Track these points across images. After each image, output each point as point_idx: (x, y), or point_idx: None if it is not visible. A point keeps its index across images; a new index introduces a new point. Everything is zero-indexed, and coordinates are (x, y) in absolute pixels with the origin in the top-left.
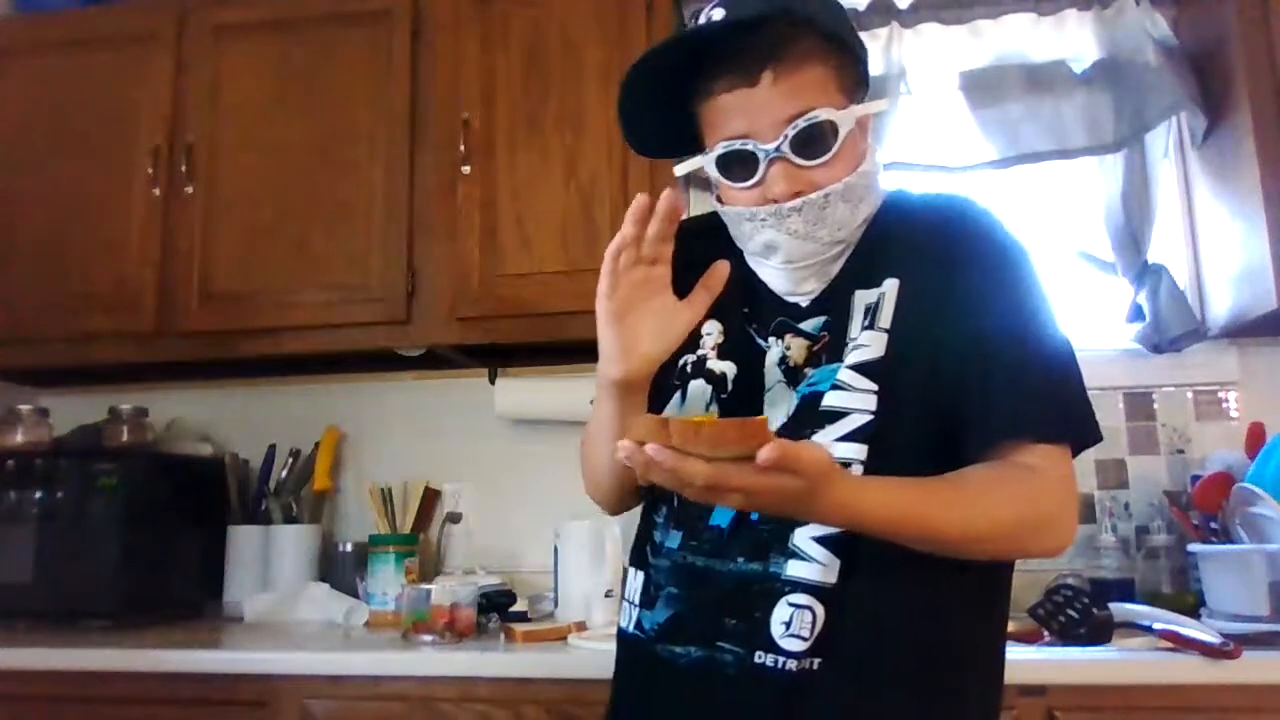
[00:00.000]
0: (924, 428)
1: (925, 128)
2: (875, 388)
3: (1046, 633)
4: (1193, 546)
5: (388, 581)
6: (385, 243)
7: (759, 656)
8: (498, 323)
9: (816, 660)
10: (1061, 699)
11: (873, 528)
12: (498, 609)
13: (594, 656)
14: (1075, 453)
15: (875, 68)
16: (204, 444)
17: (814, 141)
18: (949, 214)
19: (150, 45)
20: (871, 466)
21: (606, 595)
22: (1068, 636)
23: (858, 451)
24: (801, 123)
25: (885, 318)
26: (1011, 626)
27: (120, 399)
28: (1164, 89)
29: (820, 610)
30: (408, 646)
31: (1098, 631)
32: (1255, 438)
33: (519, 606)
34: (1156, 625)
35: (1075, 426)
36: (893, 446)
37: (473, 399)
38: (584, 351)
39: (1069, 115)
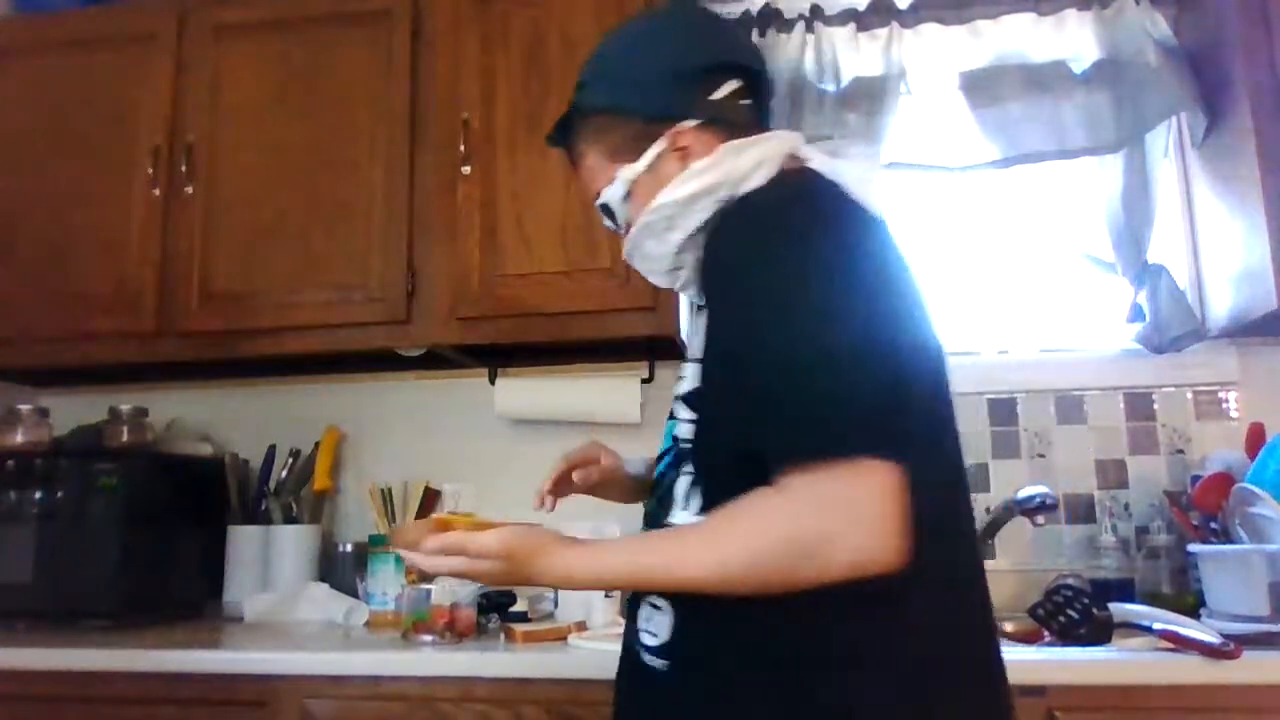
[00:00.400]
0: (738, 455)
1: (925, 128)
2: (694, 417)
3: (1046, 633)
4: (1193, 547)
5: (388, 581)
6: (385, 243)
7: (638, 651)
8: (498, 323)
9: (665, 662)
10: (1061, 699)
11: (614, 586)
12: (498, 609)
13: (594, 657)
14: (849, 458)
15: (875, 68)
16: (204, 444)
17: (609, 215)
18: (712, 231)
19: (150, 45)
20: (706, 497)
21: (606, 595)
22: (1068, 636)
23: (693, 480)
24: (597, 204)
25: (697, 346)
26: (1011, 627)
27: (120, 399)
28: (1164, 89)
29: (671, 612)
30: (408, 646)
31: (1098, 632)
32: (1255, 438)
33: (519, 607)
34: (1156, 625)
35: (808, 440)
36: (716, 478)
37: (473, 399)
38: (584, 351)
39: (1069, 115)
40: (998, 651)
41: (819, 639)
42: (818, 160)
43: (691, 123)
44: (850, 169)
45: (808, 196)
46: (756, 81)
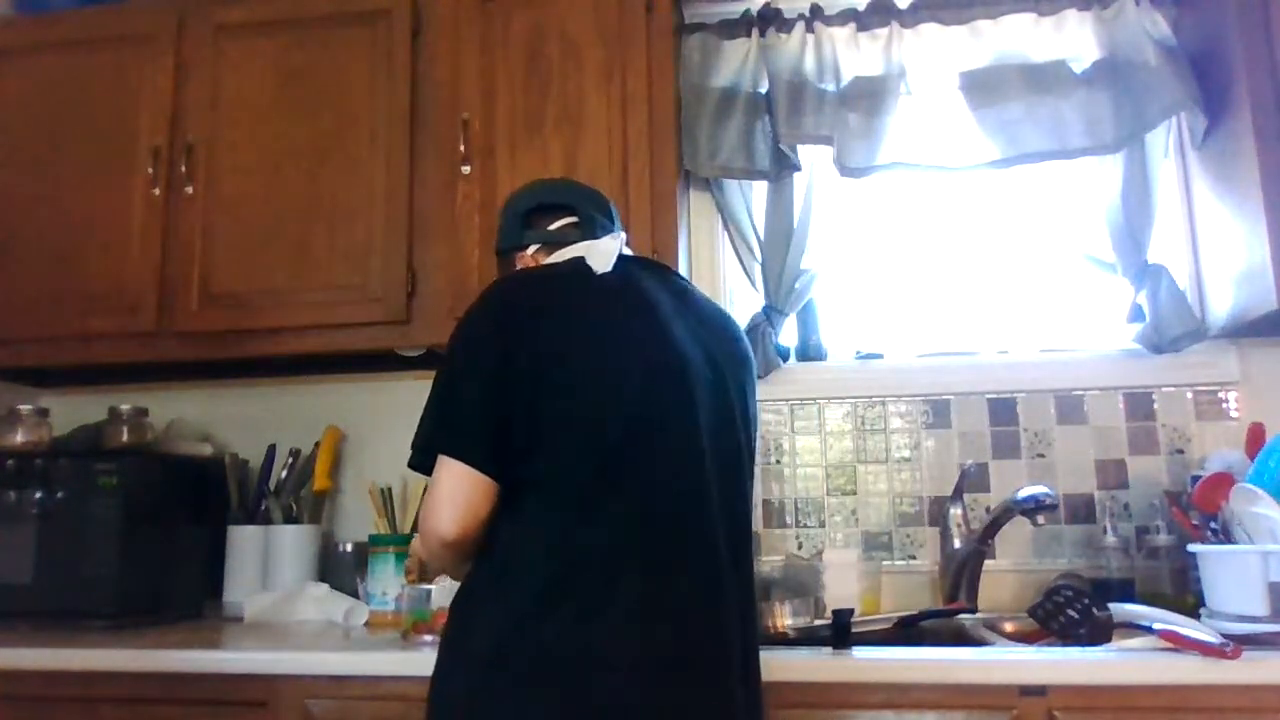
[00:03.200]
0: None
1: (925, 128)
2: None
3: (1046, 633)
4: (1193, 547)
5: (387, 581)
6: (385, 243)
7: None
8: None
9: None
10: (1062, 699)
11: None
12: None
13: None
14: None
15: (875, 68)
16: (204, 444)
17: None
18: None
19: (150, 45)
20: None
21: None
22: (1068, 637)
23: None
24: None
25: None
26: (1012, 626)
27: (120, 399)
28: (1164, 89)
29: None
30: (408, 646)
31: (1098, 632)
32: (1255, 438)
33: None
34: (1156, 625)
35: (413, 454)
36: None
37: None
38: None
39: (1069, 115)
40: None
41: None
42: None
43: (533, 247)
44: (586, 249)
45: (494, 283)
46: (581, 212)
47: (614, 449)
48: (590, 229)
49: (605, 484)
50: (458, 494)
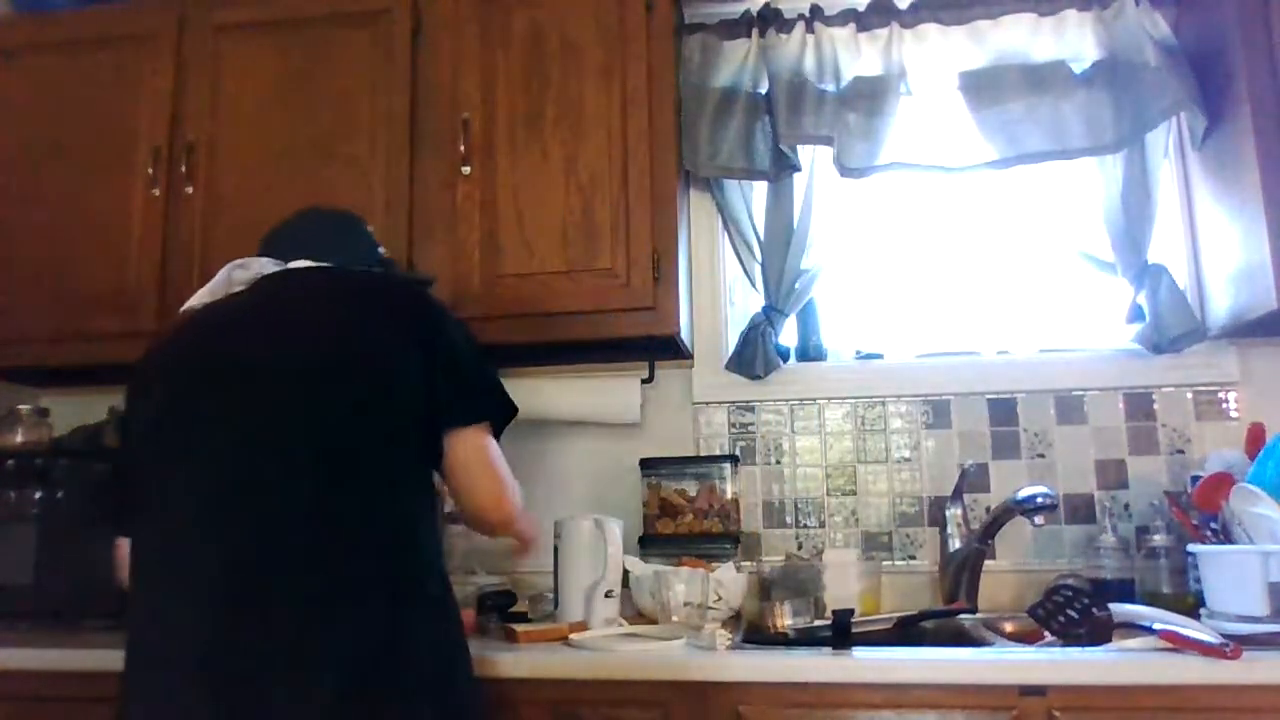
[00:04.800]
0: None
1: (925, 128)
2: None
3: (1046, 633)
4: (1192, 547)
5: None
6: (385, 242)
7: None
8: (498, 322)
9: None
10: (1062, 699)
11: None
12: (498, 609)
13: (594, 656)
14: None
15: (875, 68)
16: None
17: None
18: None
19: (150, 45)
20: None
21: (607, 595)
22: (1067, 637)
23: None
24: None
25: None
26: (1012, 626)
27: (120, 399)
28: (1164, 89)
29: None
30: None
31: (1097, 632)
32: (1255, 438)
33: (519, 607)
34: (1156, 625)
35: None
36: None
37: None
38: (584, 351)
39: (1069, 115)
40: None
41: None
42: None
43: None
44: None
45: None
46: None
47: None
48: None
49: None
50: None
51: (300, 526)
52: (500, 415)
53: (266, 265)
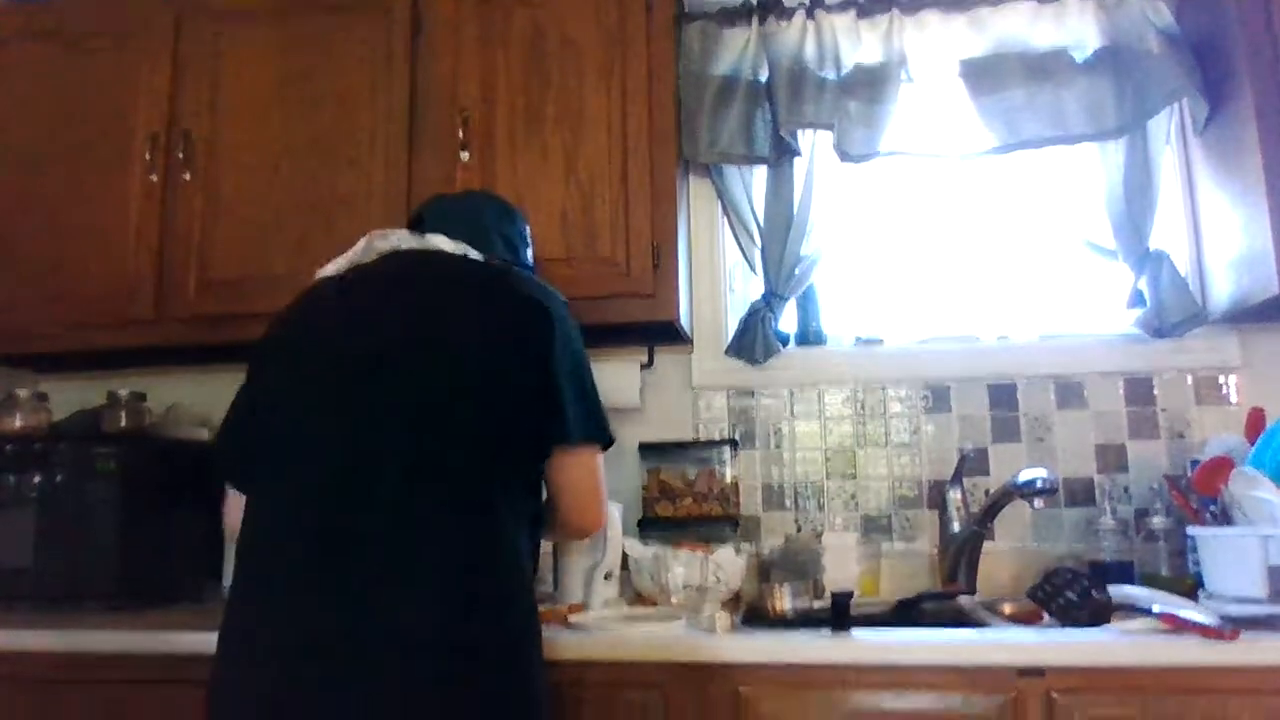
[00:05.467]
0: None
1: (926, 115)
2: None
3: (1046, 614)
4: (1192, 529)
5: None
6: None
7: None
8: None
9: None
10: (1060, 681)
11: None
12: None
13: (594, 638)
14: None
15: (876, 55)
16: (202, 429)
17: None
18: None
19: (148, 34)
20: None
21: (606, 577)
22: (1067, 618)
23: None
24: None
25: None
26: (1011, 608)
27: (119, 384)
28: (1166, 76)
29: None
30: None
31: (1097, 614)
32: (1255, 422)
33: None
34: (1155, 608)
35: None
36: None
37: None
38: (584, 336)
39: (1070, 103)
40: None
41: None
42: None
43: None
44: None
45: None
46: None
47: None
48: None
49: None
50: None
51: (384, 526)
52: (608, 439)
53: (405, 239)
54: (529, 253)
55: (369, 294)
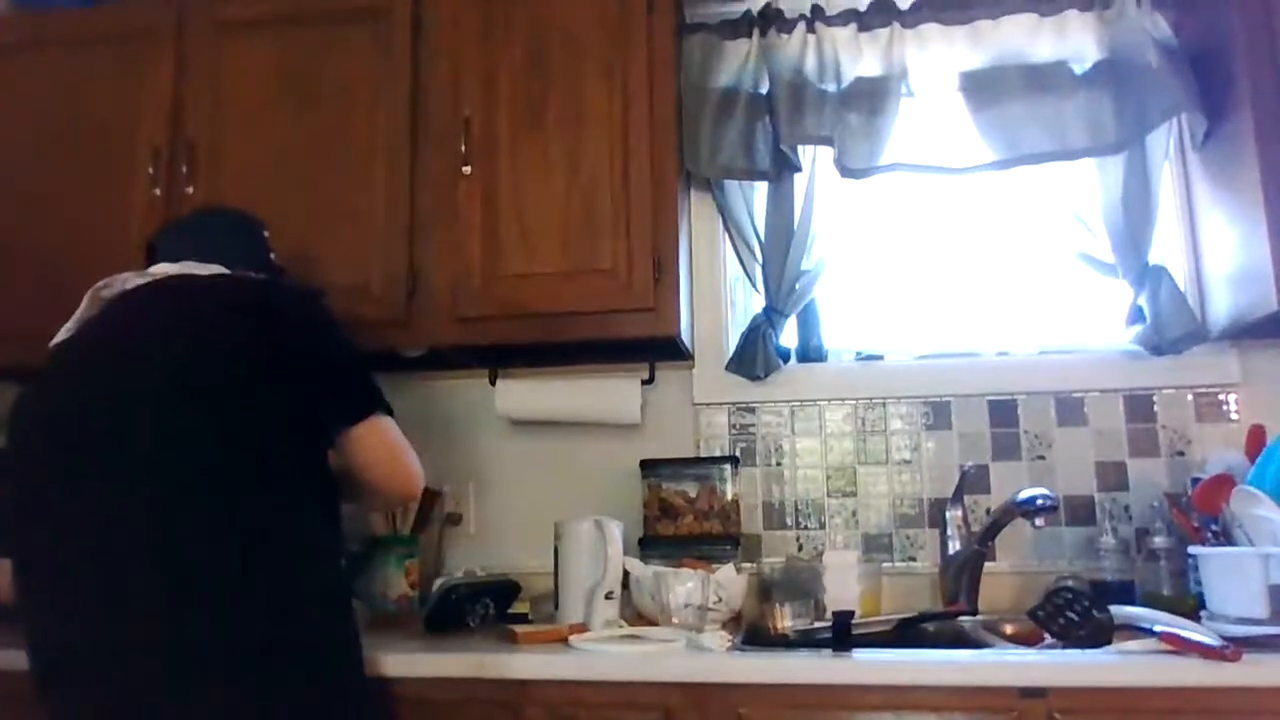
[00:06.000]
0: None
1: (926, 129)
2: None
3: (1046, 635)
4: (1193, 549)
5: (388, 583)
6: (386, 242)
7: None
8: (498, 323)
9: None
10: (1062, 701)
11: None
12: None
13: (594, 658)
14: None
15: (876, 68)
16: None
17: None
18: None
19: (150, 42)
20: None
21: (607, 596)
22: (1068, 638)
23: None
24: None
25: None
26: (1012, 628)
27: None
28: (1165, 90)
29: None
30: (408, 647)
31: (1098, 634)
32: (1256, 439)
33: (520, 608)
34: (1157, 628)
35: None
36: None
37: (473, 399)
38: (584, 352)
39: (1070, 116)
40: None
41: None
42: None
43: None
44: None
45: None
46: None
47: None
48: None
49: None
50: None
51: (150, 567)
52: (386, 406)
53: (131, 279)
54: (272, 256)
55: (98, 347)
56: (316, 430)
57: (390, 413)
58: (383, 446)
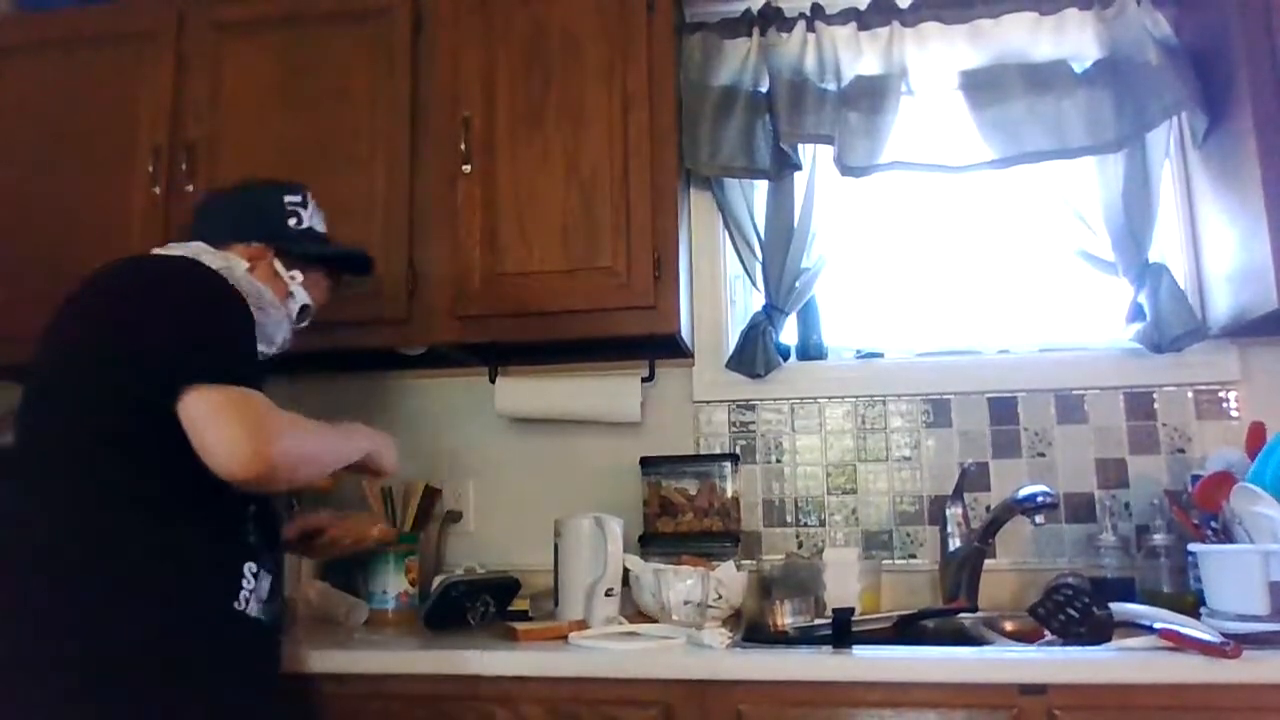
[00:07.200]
0: None
1: (926, 128)
2: None
3: (1047, 632)
4: (1193, 546)
5: (388, 581)
6: (386, 241)
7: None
8: (498, 321)
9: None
10: (1062, 698)
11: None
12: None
13: (594, 655)
14: None
15: (876, 67)
16: None
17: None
18: None
19: (151, 43)
20: None
21: (607, 594)
22: (1068, 636)
23: None
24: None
25: None
26: (1012, 625)
27: None
28: (1165, 88)
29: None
30: (408, 645)
31: (1098, 631)
32: (1256, 437)
33: (521, 606)
34: (1157, 625)
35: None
36: None
37: (473, 398)
38: (584, 350)
39: (1070, 114)
40: None
41: None
42: None
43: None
44: None
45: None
46: None
47: None
48: None
49: None
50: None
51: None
52: (221, 375)
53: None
54: (289, 223)
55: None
56: (139, 409)
57: (232, 381)
58: (195, 422)
